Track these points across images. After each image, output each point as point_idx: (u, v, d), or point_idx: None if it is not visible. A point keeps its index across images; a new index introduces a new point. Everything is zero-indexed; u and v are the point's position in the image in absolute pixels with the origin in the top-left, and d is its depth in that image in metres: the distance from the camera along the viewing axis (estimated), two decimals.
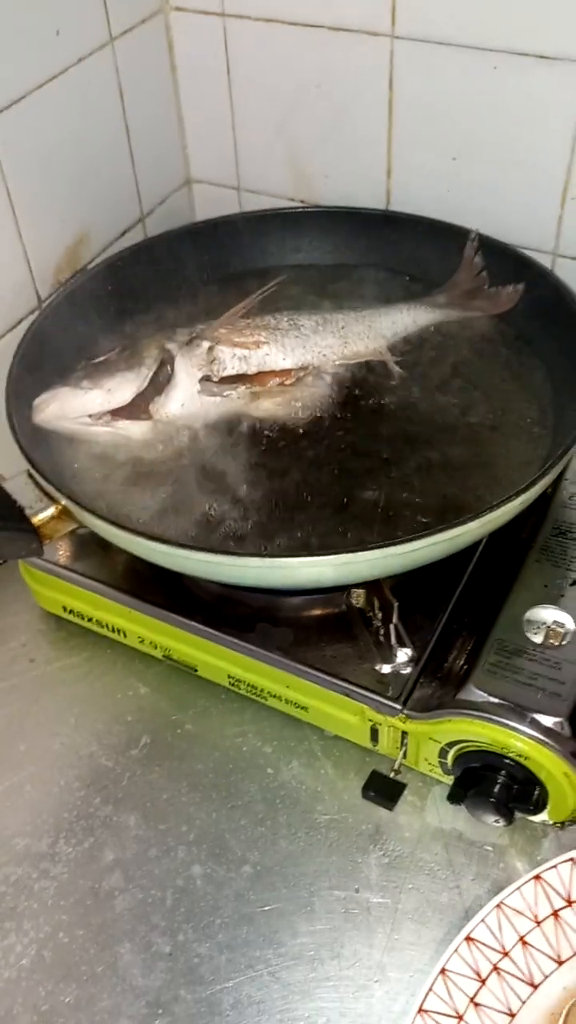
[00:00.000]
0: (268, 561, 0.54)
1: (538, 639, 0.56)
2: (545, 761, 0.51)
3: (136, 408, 0.65)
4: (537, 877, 0.52)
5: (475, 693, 0.53)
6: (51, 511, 0.61)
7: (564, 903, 0.52)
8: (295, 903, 0.56)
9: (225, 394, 0.66)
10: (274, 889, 0.56)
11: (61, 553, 0.66)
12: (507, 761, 0.53)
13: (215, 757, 0.63)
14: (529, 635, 0.56)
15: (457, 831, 0.58)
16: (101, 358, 0.68)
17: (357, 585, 0.60)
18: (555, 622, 0.56)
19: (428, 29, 0.72)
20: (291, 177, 0.86)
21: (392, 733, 0.58)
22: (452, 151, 0.77)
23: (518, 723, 0.52)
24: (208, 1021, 0.52)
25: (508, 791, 0.53)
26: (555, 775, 0.52)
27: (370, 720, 0.58)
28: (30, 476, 0.62)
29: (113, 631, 0.67)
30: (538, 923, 0.51)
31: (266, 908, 0.56)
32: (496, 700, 0.53)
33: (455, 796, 0.55)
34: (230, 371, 0.67)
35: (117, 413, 0.65)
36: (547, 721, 0.52)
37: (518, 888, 0.52)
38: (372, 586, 0.60)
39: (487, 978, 0.49)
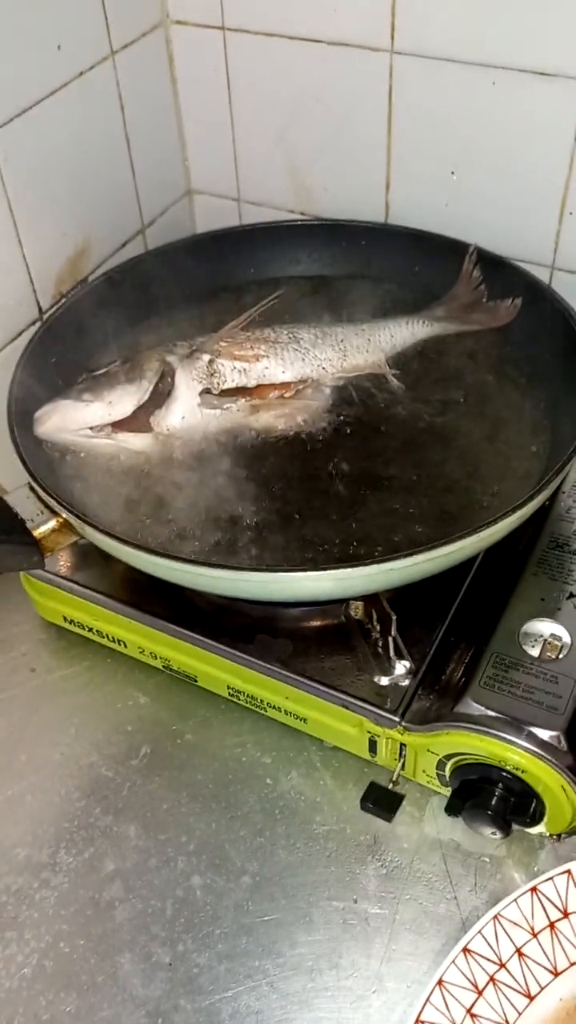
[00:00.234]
0: (267, 576, 0.55)
1: (535, 652, 0.56)
2: (542, 774, 0.52)
3: (137, 420, 0.66)
4: (534, 889, 0.52)
5: (472, 706, 0.54)
6: (52, 524, 0.62)
7: (560, 915, 0.52)
8: (294, 913, 0.56)
9: (225, 407, 0.67)
10: (273, 900, 0.57)
11: (62, 564, 0.66)
12: (504, 774, 0.53)
13: (215, 767, 0.63)
14: (526, 648, 0.56)
15: (455, 842, 0.59)
16: (102, 370, 0.68)
17: (356, 597, 0.60)
18: (552, 635, 0.57)
19: (427, 45, 0.72)
20: (291, 189, 0.86)
21: (390, 745, 0.58)
22: (451, 165, 0.78)
23: (515, 736, 0.52)
24: None
25: (505, 803, 0.54)
26: (552, 788, 0.52)
27: (368, 732, 0.58)
28: (31, 489, 0.62)
29: (113, 641, 0.68)
30: (535, 935, 0.51)
31: (265, 918, 0.56)
32: (493, 713, 0.53)
33: (453, 808, 0.56)
34: (230, 384, 0.68)
35: (118, 425, 0.66)
36: (544, 735, 0.52)
37: (515, 900, 0.52)
38: (370, 598, 0.60)
39: (484, 989, 0.50)
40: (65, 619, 0.69)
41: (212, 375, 0.67)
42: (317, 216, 0.86)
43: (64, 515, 0.59)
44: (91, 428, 0.65)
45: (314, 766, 0.63)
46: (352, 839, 0.59)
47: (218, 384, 0.67)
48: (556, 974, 0.50)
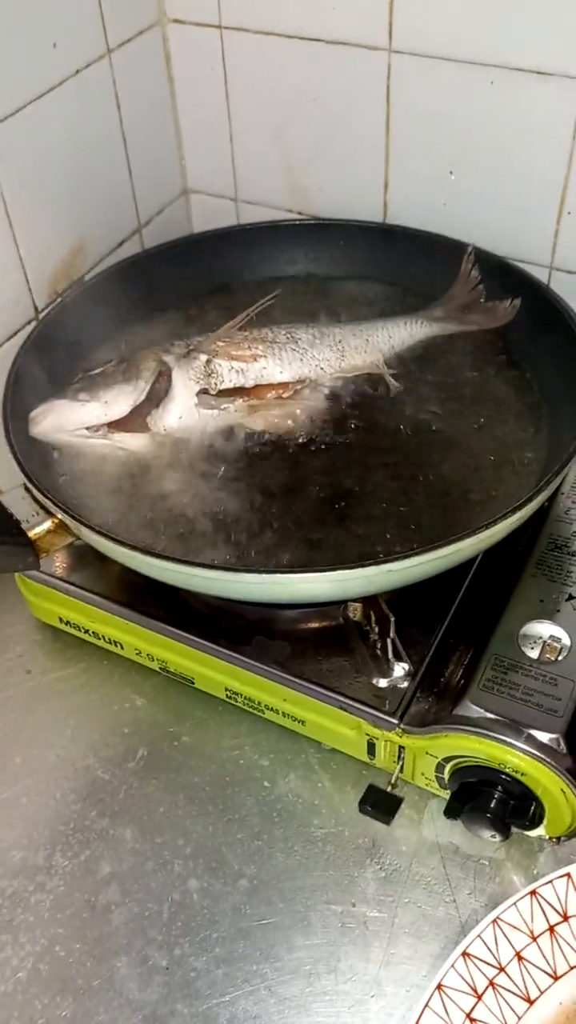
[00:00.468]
0: (265, 577, 0.55)
1: (534, 654, 0.56)
2: (541, 777, 0.52)
3: (133, 421, 0.65)
4: (533, 892, 0.52)
5: (471, 709, 0.54)
6: (47, 524, 0.61)
7: (560, 918, 0.52)
8: (291, 917, 0.56)
9: (223, 407, 0.67)
10: (270, 903, 0.57)
11: (57, 565, 0.66)
12: (503, 777, 0.53)
13: (212, 770, 0.63)
14: (525, 650, 0.56)
15: (454, 845, 0.58)
16: (98, 370, 0.68)
17: (354, 599, 0.60)
18: (551, 637, 0.57)
19: (425, 43, 0.72)
20: (288, 189, 0.86)
21: (389, 747, 0.58)
22: (449, 165, 0.77)
23: (514, 739, 0.52)
24: None
25: (504, 806, 0.54)
26: (552, 791, 0.52)
27: (367, 734, 0.58)
28: (27, 489, 0.61)
29: (109, 643, 0.67)
30: (534, 938, 0.51)
31: (263, 922, 0.56)
32: (492, 716, 0.53)
33: (452, 811, 0.55)
34: (227, 384, 0.67)
35: (114, 426, 0.65)
36: (543, 737, 0.52)
37: (514, 903, 0.52)
38: (369, 600, 0.60)
39: (483, 993, 0.49)
40: (61, 620, 0.69)
41: (209, 375, 0.67)
42: (314, 216, 0.86)
43: (60, 516, 0.58)
44: (87, 428, 0.65)
45: (312, 768, 0.62)
46: (350, 842, 0.59)
47: (215, 384, 0.67)
48: (556, 978, 0.50)
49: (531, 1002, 0.49)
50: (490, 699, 0.54)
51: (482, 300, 0.74)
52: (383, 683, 0.57)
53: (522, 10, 0.67)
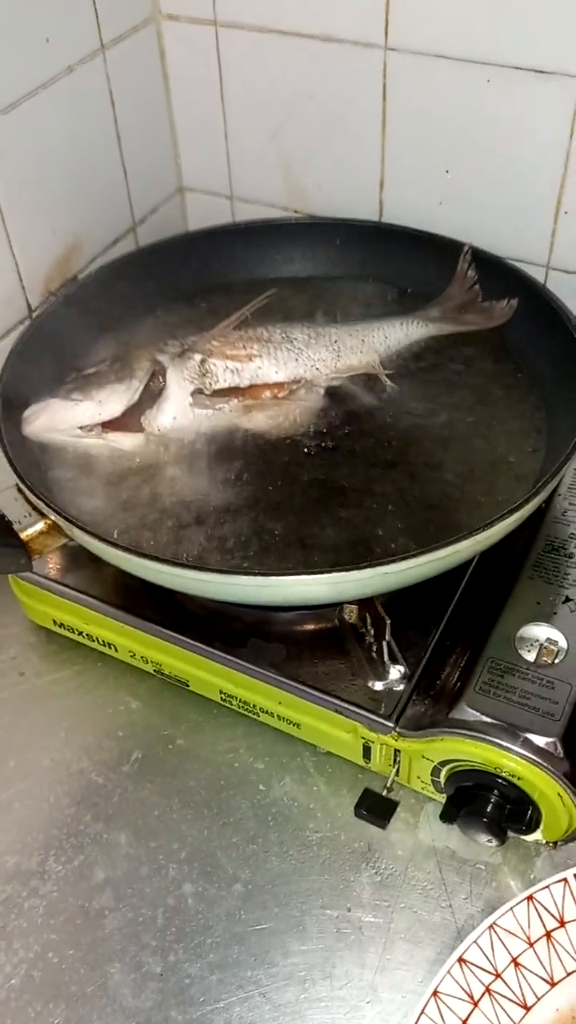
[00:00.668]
0: (260, 579, 0.54)
1: (531, 657, 0.55)
2: (538, 781, 0.51)
3: (127, 421, 0.65)
4: (530, 897, 0.52)
5: (467, 712, 0.53)
6: (40, 526, 0.61)
7: (557, 924, 0.51)
8: (286, 922, 0.55)
9: (217, 407, 0.66)
10: (265, 908, 0.56)
11: (51, 566, 0.65)
12: (500, 781, 0.53)
13: (207, 773, 0.62)
14: (522, 653, 0.56)
15: (450, 849, 0.58)
16: (92, 370, 0.67)
17: (350, 601, 0.60)
18: (548, 640, 0.56)
19: (421, 41, 0.72)
20: (284, 187, 0.85)
21: (385, 751, 0.57)
22: (445, 163, 0.77)
23: (511, 743, 0.51)
24: None
25: (501, 810, 0.53)
26: (548, 795, 0.52)
27: (363, 737, 0.57)
28: (19, 490, 0.61)
29: (104, 645, 0.67)
30: (531, 944, 0.51)
31: (257, 928, 0.55)
32: (489, 719, 0.53)
33: (448, 815, 0.55)
34: (222, 384, 0.67)
35: (108, 425, 0.65)
36: (540, 741, 0.51)
37: (511, 909, 0.51)
38: (365, 602, 0.59)
39: (480, 1000, 0.49)
40: (55, 622, 0.68)
41: (204, 375, 0.66)
42: (311, 214, 0.85)
43: (52, 517, 0.58)
44: (81, 428, 0.64)
45: (307, 772, 0.62)
46: (346, 846, 0.58)
47: (210, 384, 0.66)
48: (553, 984, 0.50)
49: (528, 1008, 0.49)
50: (486, 702, 0.53)
51: (479, 300, 0.74)
52: (379, 686, 0.57)
53: (519, 8, 0.67)
